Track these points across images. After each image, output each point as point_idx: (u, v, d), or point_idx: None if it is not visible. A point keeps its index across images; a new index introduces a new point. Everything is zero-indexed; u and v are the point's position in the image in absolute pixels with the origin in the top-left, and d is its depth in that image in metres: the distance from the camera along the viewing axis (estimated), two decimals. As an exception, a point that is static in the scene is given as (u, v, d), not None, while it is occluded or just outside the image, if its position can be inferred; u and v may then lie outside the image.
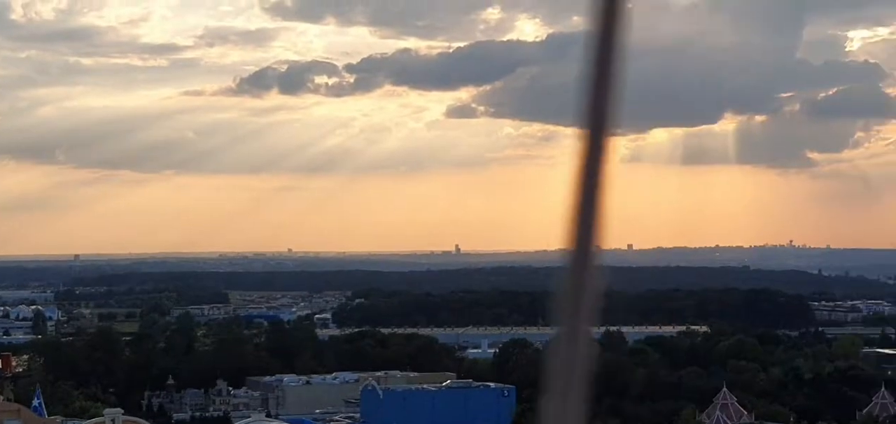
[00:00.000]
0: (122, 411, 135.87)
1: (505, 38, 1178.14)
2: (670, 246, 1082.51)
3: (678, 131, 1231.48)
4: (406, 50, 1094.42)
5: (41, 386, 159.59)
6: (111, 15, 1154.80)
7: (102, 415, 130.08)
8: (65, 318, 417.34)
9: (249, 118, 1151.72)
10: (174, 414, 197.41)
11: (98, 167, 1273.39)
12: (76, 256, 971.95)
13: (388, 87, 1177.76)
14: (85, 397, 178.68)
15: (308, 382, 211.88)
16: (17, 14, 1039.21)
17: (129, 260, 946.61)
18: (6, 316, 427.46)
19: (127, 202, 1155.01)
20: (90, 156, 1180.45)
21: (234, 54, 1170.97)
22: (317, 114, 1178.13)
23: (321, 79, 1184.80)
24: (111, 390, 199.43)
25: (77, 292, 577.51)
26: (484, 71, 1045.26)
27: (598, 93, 5.85)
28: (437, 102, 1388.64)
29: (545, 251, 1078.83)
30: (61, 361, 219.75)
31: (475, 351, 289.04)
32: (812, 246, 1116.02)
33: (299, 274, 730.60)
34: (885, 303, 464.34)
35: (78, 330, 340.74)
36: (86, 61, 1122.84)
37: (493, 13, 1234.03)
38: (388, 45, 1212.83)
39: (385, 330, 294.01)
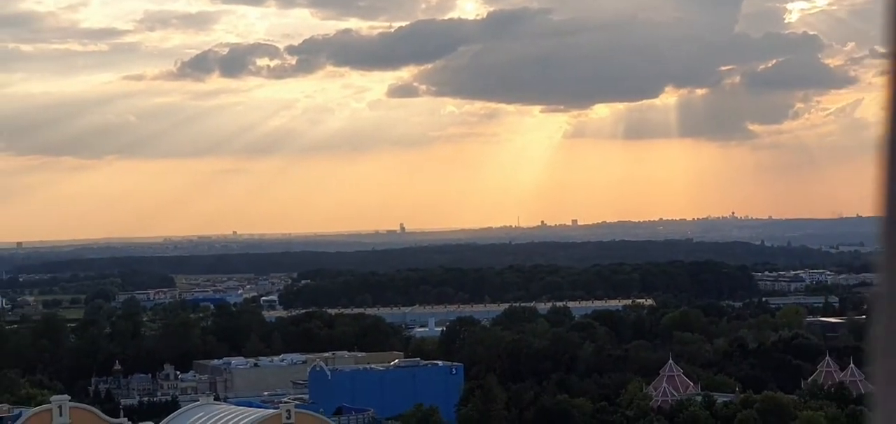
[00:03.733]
0: (69, 397, 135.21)
1: (446, 17, 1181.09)
2: (614, 220, 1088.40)
3: (620, 106, 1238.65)
4: (347, 30, 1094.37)
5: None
6: (50, 0, 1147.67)
7: (49, 402, 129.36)
8: (9, 306, 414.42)
9: (191, 101, 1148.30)
10: (122, 400, 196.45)
11: (39, 154, 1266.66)
12: (19, 244, 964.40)
13: (329, 68, 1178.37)
14: (31, 384, 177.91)
15: (256, 364, 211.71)
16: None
17: (73, 246, 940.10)
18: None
19: (69, 188, 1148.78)
20: (31, 143, 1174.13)
21: (175, 38, 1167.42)
22: (259, 96, 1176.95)
23: (263, 62, 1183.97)
24: (57, 377, 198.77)
25: (21, 280, 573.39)
26: (425, 50, 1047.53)
27: None
28: (378, 82, 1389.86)
29: (489, 228, 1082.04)
30: (7, 349, 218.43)
31: (422, 329, 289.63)
32: (754, 218, 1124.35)
33: (245, 257, 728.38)
34: (828, 272, 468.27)
35: (22, 317, 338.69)
36: (25, 48, 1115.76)
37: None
38: (329, 26, 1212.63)
39: (332, 311, 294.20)
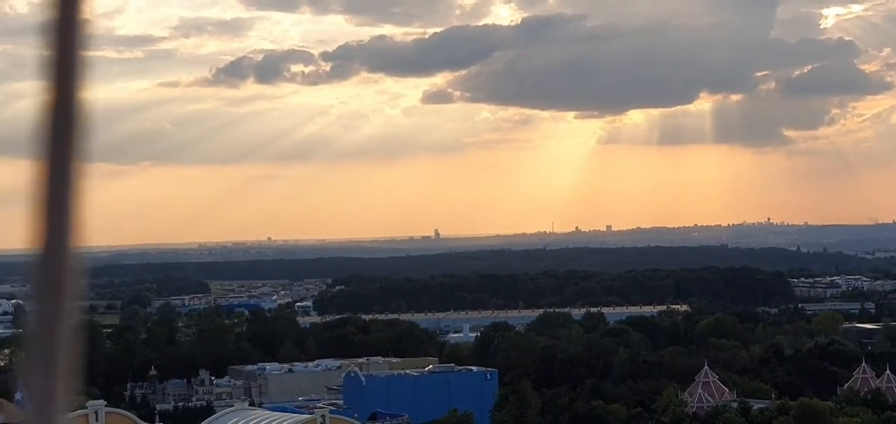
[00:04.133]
0: (105, 402, 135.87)
1: (480, 23, 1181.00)
2: (649, 226, 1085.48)
3: (654, 112, 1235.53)
4: (382, 37, 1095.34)
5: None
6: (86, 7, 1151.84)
7: (85, 407, 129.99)
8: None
9: (226, 108, 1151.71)
10: (157, 405, 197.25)
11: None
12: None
13: (364, 75, 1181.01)
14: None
15: (290, 370, 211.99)
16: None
17: (109, 252, 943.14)
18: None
19: (104, 194, 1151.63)
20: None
21: (210, 44, 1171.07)
22: (293, 102, 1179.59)
23: (297, 68, 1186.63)
24: (93, 382, 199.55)
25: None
26: (460, 56, 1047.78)
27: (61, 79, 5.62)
28: (413, 88, 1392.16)
29: (524, 234, 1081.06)
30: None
31: (456, 335, 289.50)
32: (790, 224, 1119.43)
33: (280, 263, 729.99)
34: (864, 278, 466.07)
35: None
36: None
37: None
38: (364, 32, 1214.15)
39: (366, 317, 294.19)
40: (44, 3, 5.20)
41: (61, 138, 5.38)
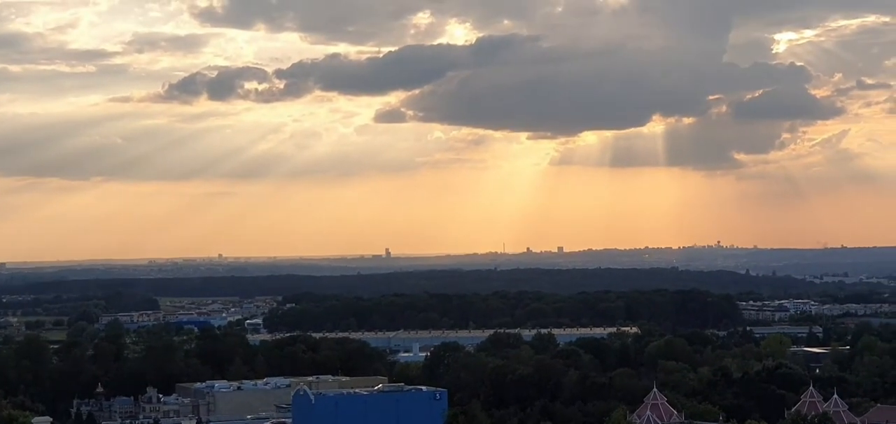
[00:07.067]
0: (51, 419, 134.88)
1: (434, 43, 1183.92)
2: (600, 248, 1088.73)
3: (607, 134, 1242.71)
4: (336, 55, 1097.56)
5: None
6: (39, 21, 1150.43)
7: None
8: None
9: (179, 124, 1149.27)
10: (104, 422, 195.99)
11: (25, 174, 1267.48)
12: (2, 264, 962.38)
13: (317, 93, 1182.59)
14: (13, 406, 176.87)
15: (239, 388, 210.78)
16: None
17: (57, 267, 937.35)
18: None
19: (54, 209, 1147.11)
20: (17, 164, 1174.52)
21: (163, 60, 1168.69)
22: (247, 119, 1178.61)
23: (251, 85, 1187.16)
24: (39, 399, 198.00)
25: (3, 300, 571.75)
26: (413, 75, 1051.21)
27: None
28: (366, 107, 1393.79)
29: (475, 254, 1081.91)
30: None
31: (406, 354, 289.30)
32: (739, 247, 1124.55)
33: (230, 280, 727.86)
34: (812, 302, 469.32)
35: (5, 338, 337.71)
36: (13, 68, 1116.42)
37: (423, 18, 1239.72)
38: (318, 50, 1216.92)
39: (316, 335, 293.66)
40: None
41: None
